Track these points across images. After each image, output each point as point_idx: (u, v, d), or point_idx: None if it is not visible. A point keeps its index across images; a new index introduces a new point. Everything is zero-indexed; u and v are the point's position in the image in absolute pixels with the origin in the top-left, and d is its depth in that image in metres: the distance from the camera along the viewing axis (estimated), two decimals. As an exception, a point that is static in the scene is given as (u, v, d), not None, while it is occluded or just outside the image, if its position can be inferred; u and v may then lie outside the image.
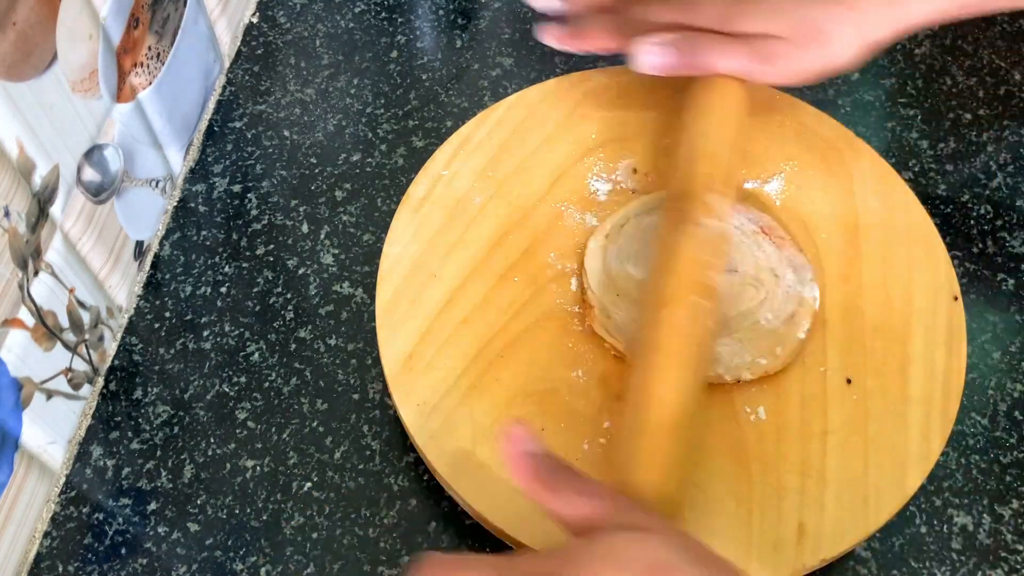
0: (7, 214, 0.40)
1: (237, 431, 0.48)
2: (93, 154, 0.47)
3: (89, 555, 0.45)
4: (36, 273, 0.43)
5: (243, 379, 0.50)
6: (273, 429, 0.48)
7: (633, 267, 0.47)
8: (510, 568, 0.30)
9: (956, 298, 0.46)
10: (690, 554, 0.30)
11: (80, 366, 0.48)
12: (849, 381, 0.44)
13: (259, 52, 0.63)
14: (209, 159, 0.58)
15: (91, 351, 0.49)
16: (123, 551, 0.45)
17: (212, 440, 0.48)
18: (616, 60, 0.61)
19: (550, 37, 0.51)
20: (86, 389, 0.49)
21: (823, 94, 0.59)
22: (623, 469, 0.38)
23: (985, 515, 0.45)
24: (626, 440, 0.39)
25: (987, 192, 0.55)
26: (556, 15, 0.52)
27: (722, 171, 0.46)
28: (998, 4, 0.47)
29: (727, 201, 0.45)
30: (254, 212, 0.56)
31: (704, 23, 0.46)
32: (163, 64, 0.53)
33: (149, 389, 0.50)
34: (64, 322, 0.46)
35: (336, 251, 0.54)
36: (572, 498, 0.33)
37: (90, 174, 0.47)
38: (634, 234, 0.48)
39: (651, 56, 0.47)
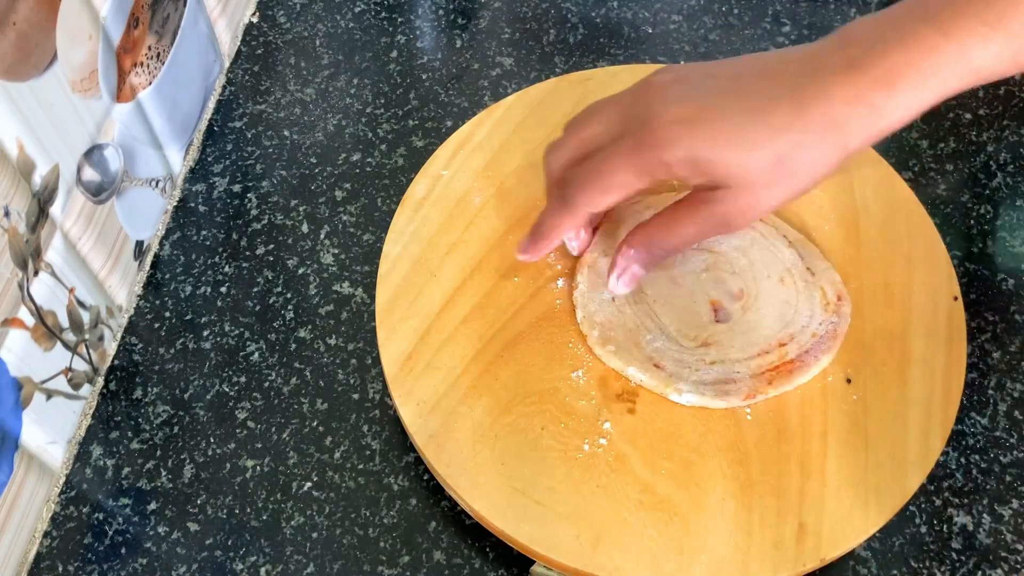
0: (7, 214, 0.40)
1: (237, 431, 0.48)
2: (93, 154, 0.47)
3: (89, 555, 0.45)
4: (36, 273, 0.43)
5: (243, 379, 0.50)
6: (273, 429, 0.48)
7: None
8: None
9: (956, 298, 0.46)
10: None
11: (80, 366, 0.48)
12: (849, 381, 0.44)
13: (259, 52, 0.63)
14: (209, 159, 0.58)
15: (91, 351, 0.49)
16: (123, 551, 0.45)
17: (212, 440, 0.48)
18: (617, 59, 0.61)
19: (523, 256, 0.46)
20: (86, 389, 0.49)
21: (823, 94, 0.59)
22: None
23: (985, 515, 0.45)
24: None
25: (987, 192, 0.55)
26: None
27: None
28: (996, 73, 0.39)
29: None
30: (254, 212, 0.56)
31: (669, 177, 0.40)
32: (163, 64, 0.53)
33: (149, 389, 0.50)
34: (64, 322, 0.46)
35: (336, 251, 0.54)
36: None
37: (90, 174, 0.47)
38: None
39: (623, 282, 0.45)
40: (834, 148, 0.38)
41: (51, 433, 0.46)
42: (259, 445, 0.48)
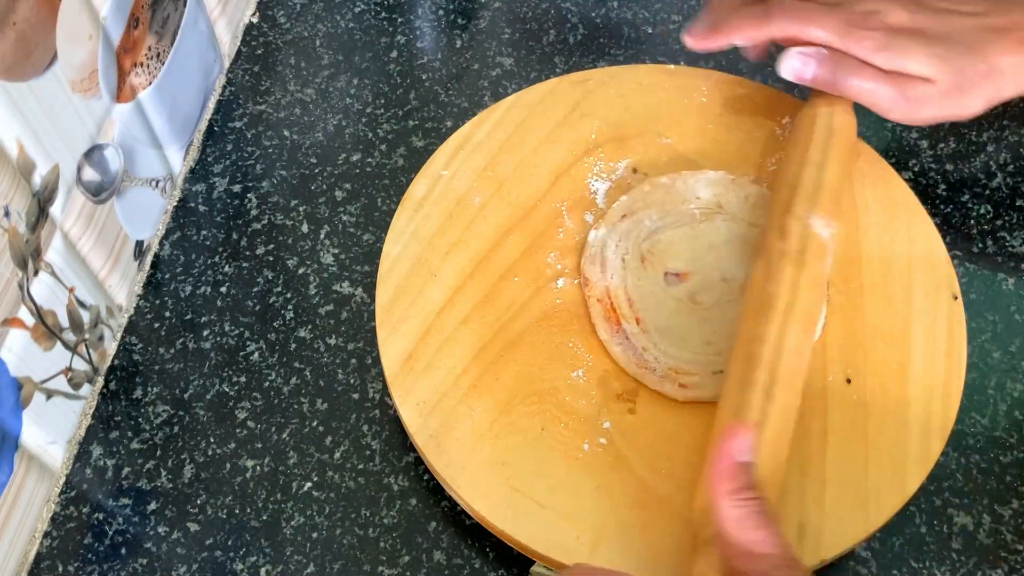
0: (7, 214, 0.40)
1: (237, 431, 0.48)
2: (93, 154, 0.47)
3: (89, 555, 0.45)
4: (36, 273, 0.43)
5: (243, 379, 0.50)
6: (273, 429, 0.48)
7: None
8: None
9: (956, 298, 0.46)
10: None
11: (80, 366, 0.48)
12: (849, 381, 0.44)
13: (259, 52, 0.63)
14: (209, 159, 0.58)
15: (91, 351, 0.49)
16: (123, 551, 0.45)
17: (212, 440, 0.48)
18: (617, 59, 0.61)
19: (694, 40, 0.50)
20: (86, 389, 0.49)
21: (823, 94, 0.59)
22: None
23: (985, 515, 0.45)
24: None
25: (987, 192, 0.55)
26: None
27: (830, 205, 0.46)
28: None
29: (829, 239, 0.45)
30: (254, 212, 0.56)
31: (859, 52, 0.46)
32: (163, 64, 0.53)
33: (149, 389, 0.50)
34: (64, 322, 0.46)
35: (336, 251, 0.54)
36: (749, 521, 0.34)
37: (90, 174, 0.47)
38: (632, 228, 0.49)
39: (797, 63, 0.47)
40: (993, 91, 0.45)
41: (51, 433, 0.46)
42: (259, 445, 0.48)
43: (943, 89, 0.45)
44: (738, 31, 0.48)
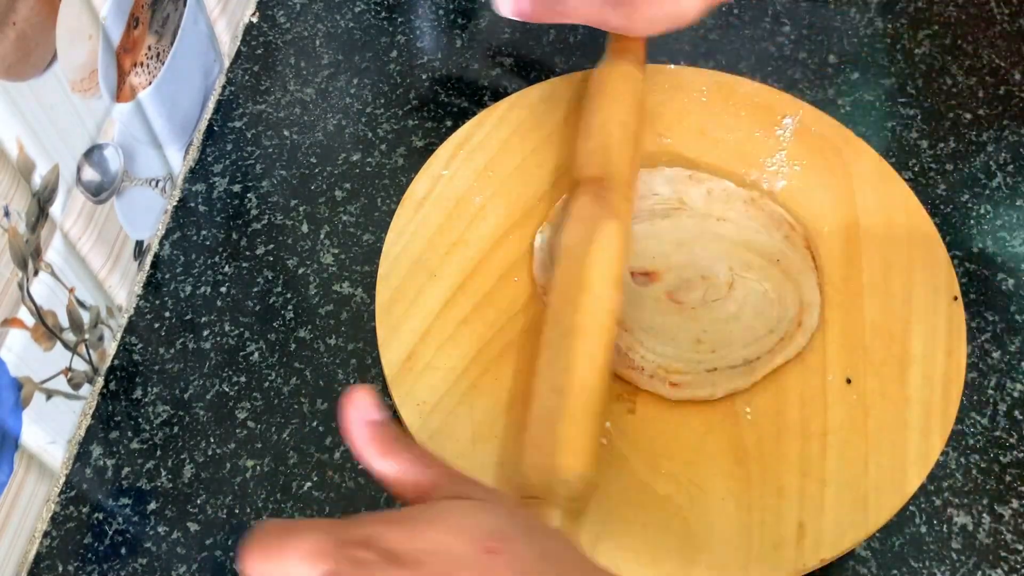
0: (7, 214, 0.40)
1: (237, 431, 0.48)
2: (93, 154, 0.47)
3: (89, 555, 0.45)
4: (36, 273, 0.43)
5: (243, 379, 0.50)
6: (273, 429, 0.48)
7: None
8: (343, 529, 0.29)
9: (956, 298, 0.46)
10: (525, 524, 0.30)
11: (80, 366, 0.48)
12: (849, 381, 0.44)
13: (259, 52, 0.63)
14: (209, 159, 0.58)
15: (91, 351, 0.49)
16: (123, 551, 0.45)
17: (212, 440, 0.48)
18: (616, 60, 0.61)
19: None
20: (86, 389, 0.49)
21: (823, 94, 0.59)
22: (545, 451, 0.39)
23: (985, 515, 0.45)
24: (547, 422, 0.40)
25: (987, 192, 0.55)
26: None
27: (625, 159, 0.47)
28: None
29: (629, 190, 0.47)
30: (254, 212, 0.56)
31: None
32: (163, 64, 0.53)
33: (149, 389, 0.50)
34: (64, 322, 0.46)
35: (336, 251, 0.54)
36: (406, 464, 0.33)
37: (90, 174, 0.47)
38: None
39: (511, 1, 0.48)
40: None
41: (51, 433, 0.46)
42: (259, 445, 0.48)
43: None
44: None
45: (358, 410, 0.34)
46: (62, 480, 0.47)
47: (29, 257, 0.42)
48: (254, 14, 0.65)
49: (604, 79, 0.50)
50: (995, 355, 0.49)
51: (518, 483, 0.40)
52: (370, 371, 0.50)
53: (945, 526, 0.45)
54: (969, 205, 0.54)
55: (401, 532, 0.28)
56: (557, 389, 0.41)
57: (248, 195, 0.56)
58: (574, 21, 0.48)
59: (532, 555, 0.28)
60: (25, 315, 0.42)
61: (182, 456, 0.48)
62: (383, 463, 0.33)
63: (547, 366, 0.42)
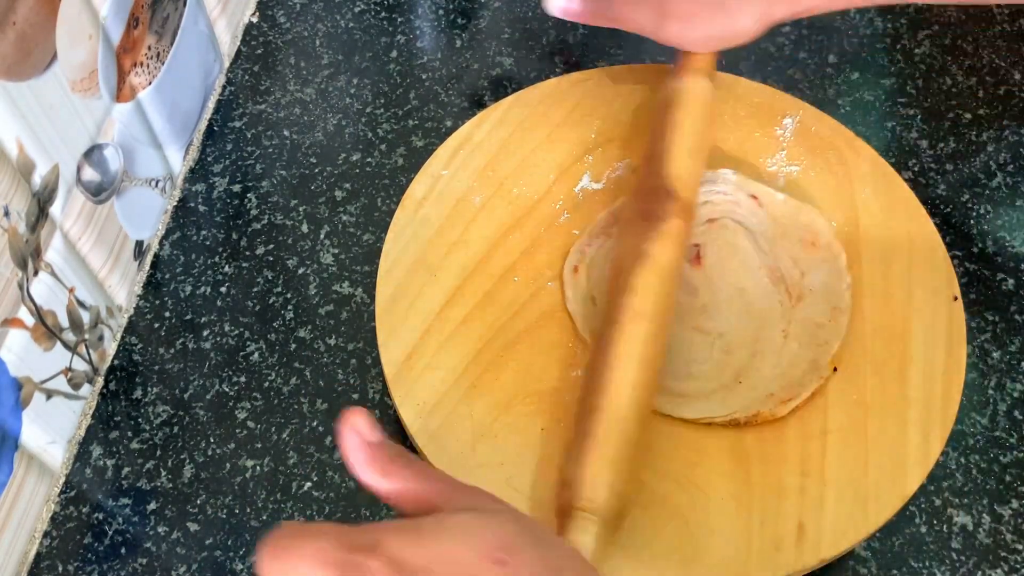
0: (7, 214, 0.40)
1: (237, 431, 0.48)
2: (93, 154, 0.47)
3: (89, 555, 0.45)
4: (36, 273, 0.43)
5: (243, 379, 0.50)
6: (273, 429, 0.48)
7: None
8: (353, 535, 0.30)
9: (956, 298, 0.46)
10: (534, 535, 0.30)
11: (80, 366, 0.48)
12: (848, 381, 0.44)
13: (259, 52, 0.63)
14: (209, 159, 0.58)
15: (91, 351, 0.49)
16: (123, 551, 0.45)
17: (212, 440, 0.48)
18: (617, 59, 0.61)
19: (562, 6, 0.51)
20: (86, 389, 0.49)
21: (823, 94, 0.59)
22: (576, 477, 0.39)
23: (985, 515, 0.45)
24: (581, 448, 0.40)
25: (987, 192, 0.55)
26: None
27: (689, 173, 0.46)
28: None
29: (691, 203, 0.46)
30: (254, 212, 0.56)
31: None
32: (163, 64, 0.53)
33: (149, 389, 0.50)
34: (64, 322, 0.46)
35: (336, 251, 0.54)
36: (408, 481, 0.33)
37: (90, 174, 0.47)
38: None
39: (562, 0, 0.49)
40: (762, 12, 0.46)
41: (51, 433, 0.46)
42: (259, 445, 0.48)
43: (705, 6, 0.46)
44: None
45: (354, 432, 0.34)
46: (62, 480, 0.47)
47: (29, 257, 0.42)
48: (254, 14, 0.65)
49: (680, 95, 0.49)
50: (995, 355, 0.49)
51: (552, 499, 0.41)
52: (370, 371, 0.50)
53: (945, 526, 0.45)
54: (969, 205, 0.54)
55: (409, 541, 0.29)
56: (593, 410, 0.41)
57: (248, 195, 0.56)
58: (626, 29, 0.48)
59: (540, 566, 0.28)
60: (25, 315, 0.42)
61: (182, 456, 0.48)
62: (384, 483, 0.33)
63: (587, 389, 0.42)
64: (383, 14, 0.65)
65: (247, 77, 0.62)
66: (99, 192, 0.48)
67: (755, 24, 0.46)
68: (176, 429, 0.48)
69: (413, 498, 0.32)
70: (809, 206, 0.49)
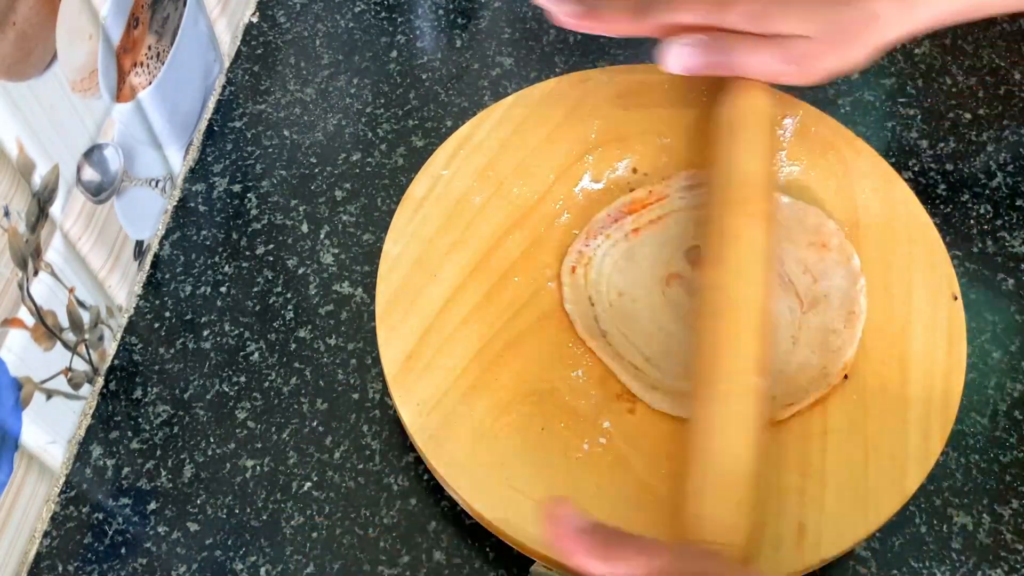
0: (7, 214, 0.40)
1: (237, 431, 0.48)
2: (93, 154, 0.47)
3: (89, 555, 0.45)
4: (36, 273, 0.43)
5: (243, 379, 0.50)
6: (273, 429, 0.48)
7: (617, 276, 0.48)
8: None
9: (956, 298, 0.46)
10: None
11: (80, 366, 0.48)
12: (848, 381, 0.44)
13: (259, 52, 0.63)
14: (209, 159, 0.58)
15: (91, 351, 0.49)
16: (123, 551, 0.45)
17: (212, 440, 0.48)
18: (617, 59, 0.61)
19: (565, 16, 0.50)
20: (86, 389, 0.49)
21: (823, 94, 0.59)
22: (695, 523, 0.38)
23: (985, 515, 0.45)
24: (696, 496, 0.39)
25: (987, 192, 0.55)
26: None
27: (761, 194, 0.46)
28: (999, 7, 0.48)
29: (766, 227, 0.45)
30: (254, 212, 0.56)
31: (733, 23, 0.46)
32: (163, 64, 0.53)
33: (149, 389, 0.50)
34: (64, 322, 0.46)
35: (336, 251, 0.54)
36: (634, 559, 0.32)
37: (90, 174, 0.47)
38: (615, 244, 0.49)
39: (681, 57, 0.47)
40: (876, 35, 0.45)
41: (51, 433, 0.46)
42: (259, 445, 0.48)
43: (825, 42, 0.45)
44: (613, 23, 0.49)
45: (564, 522, 0.33)
46: (62, 480, 0.47)
47: (29, 257, 0.42)
48: (254, 14, 0.65)
49: (743, 112, 0.48)
50: (995, 355, 0.49)
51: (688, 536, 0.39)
52: (370, 371, 0.50)
53: (945, 526, 0.45)
54: (969, 205, 0.54)
55: None
56: (703, 451, 0.39)
57: (248, 195, 0.56)
58: (749, 77, 0.47)
59: None
60: (25, 315, 0.42)
61: (182, 456, 0.48)
62: (611, 568, 0.32)
63: (699, 429, 0.40)
64: (383, 14, 0.65)
65: (247, 77, 0.62)
66: (99, 192, 0.48)
67: (870, 53, 0.46)
68: (176, 429, 0.48)
69: (644, 574, 0.32)
70: (816, 208, 0.49)
